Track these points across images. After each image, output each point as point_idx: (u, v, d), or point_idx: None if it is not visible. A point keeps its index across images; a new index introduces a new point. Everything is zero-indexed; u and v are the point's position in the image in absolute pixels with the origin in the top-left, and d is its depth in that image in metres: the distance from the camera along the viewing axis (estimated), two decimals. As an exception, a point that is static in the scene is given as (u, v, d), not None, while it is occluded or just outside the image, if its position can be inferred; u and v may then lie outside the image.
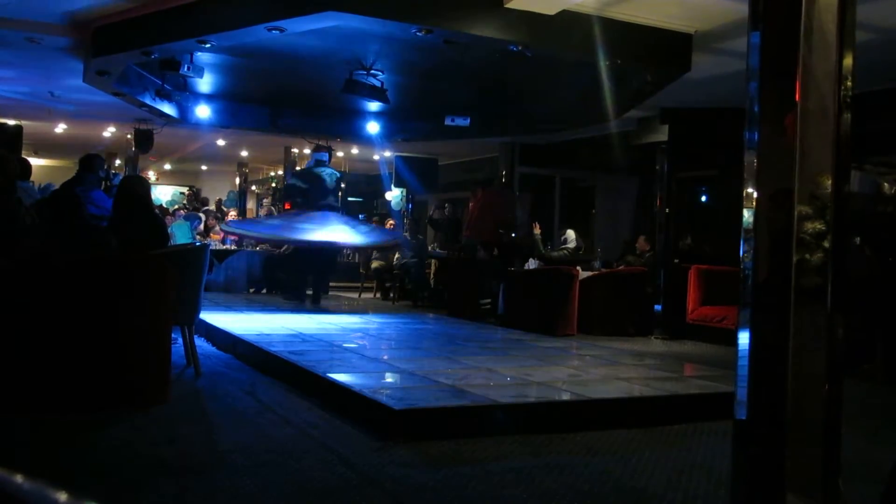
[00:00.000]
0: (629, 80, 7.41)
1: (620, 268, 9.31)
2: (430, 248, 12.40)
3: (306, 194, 9.51)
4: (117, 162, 15.46)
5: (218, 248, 11.35)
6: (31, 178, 7.52)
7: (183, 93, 9.50)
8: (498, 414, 4.03)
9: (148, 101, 8.85)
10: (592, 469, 3.39)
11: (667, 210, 8.90)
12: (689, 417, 4.41)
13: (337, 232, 9.23)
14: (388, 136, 11.22)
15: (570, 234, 9.94)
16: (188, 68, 7.27)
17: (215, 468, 3.20)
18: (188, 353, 5.24)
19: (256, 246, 11.96)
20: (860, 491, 2.61)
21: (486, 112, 10.19)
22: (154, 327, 4.18)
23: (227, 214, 14.12)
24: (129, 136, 12.31)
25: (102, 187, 7.37)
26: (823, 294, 1.69)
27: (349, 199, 17.06)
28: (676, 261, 8.93)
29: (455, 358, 5.70)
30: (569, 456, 3.61)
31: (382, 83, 8.16)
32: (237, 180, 17.79)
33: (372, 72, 7.98)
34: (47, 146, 15.02)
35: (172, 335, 4.49)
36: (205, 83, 9.27)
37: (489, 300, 9.20)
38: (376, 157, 14.53)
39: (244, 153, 15.93)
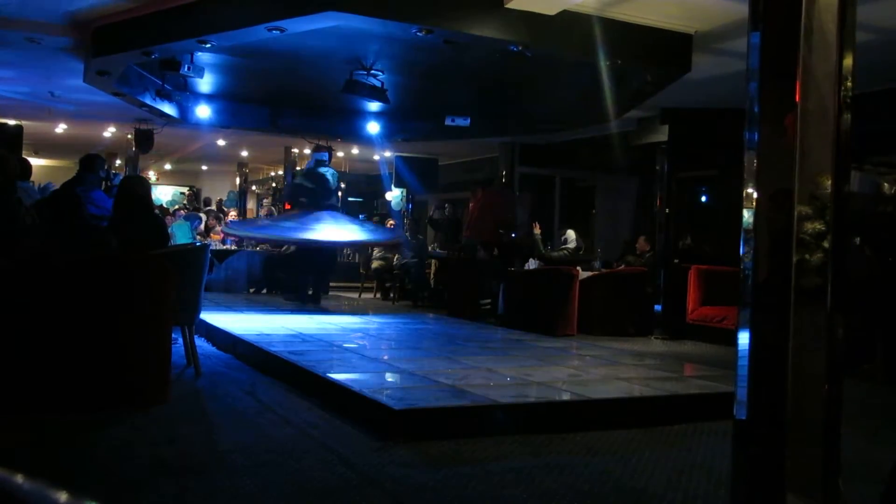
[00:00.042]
0: (629, 81, 7.41)
1: (620, 268, 9.31)
2: (430, 248, 12.40)
3: (314, 194, 9.53)
4: (118, 162, 15.46)
5: (218, 248, 11.35)
6: (31, 178, 7.52)
7: (183, 93, 9.50)
8: (498, 414, 4.03)
9: (148, 101, 8.85)
10: (592, 469, 3.39)
11: (667, 210, 8.90)
12: (689, 417, 4.41)
13: (341, 230, 9.25)
14: (388, 136, 11.22)
15: (571, 234, 9.94)
16: (188, 68, 7.27)
17: (215, 468, 3.20)
18: (188, 353, 5.24)
19: (256, 246, 11.96)
20: (860, 491, 2.61)
21: (486, 112, 10.19)
22: (154, 327, 4.18)
23: (227, 214, 14.13)
24: (129, 136, 12.31)
25: (103, 187, 7.36)
26: (823, 294, 1.69)
27: (349, 199, 17.08)
28: (676, 261, 8.93)
29: (455, 358, 5.70)
30: (569, 456, 3.61)
31: (382, 83, 8.16)
32: (237, 180, 17.79)
33: (372, 72, 7.98)
34: (47, 146, 15.02)
35: (172, 335, 4.49)
36: (205, 83, 9.27)
37: (489, 300, 9.20)
38: (376, 157, 14.53)
39: (244, 153, 15.93)
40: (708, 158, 9.41)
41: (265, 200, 18.61)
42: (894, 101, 6.90)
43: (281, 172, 15.69)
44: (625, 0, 5.70)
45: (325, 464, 3.28)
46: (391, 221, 12.93)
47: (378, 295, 12.22)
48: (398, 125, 10.90)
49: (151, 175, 18.47)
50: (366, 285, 12.40)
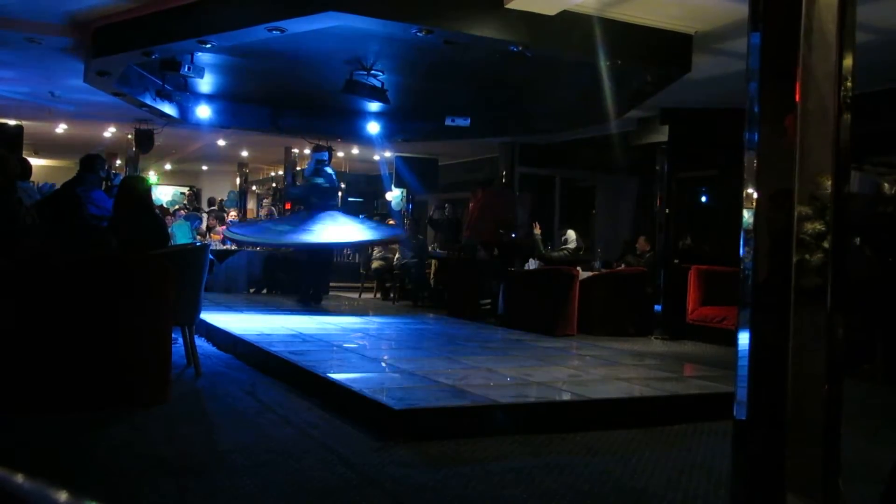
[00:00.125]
0: (629, 81, 7.41)
1: (620, 268, 9.31)
2: (430, 248, 12.40)
3: (325, 194, 9.56)
4: (118, 162, 15.46)
5: (218, 248, 11.35)
6: (31, 178, 7.52)
7: (183, 93, 9.50)
8: (498, 414, 4.03)
9: (148, 101, 8.85)
10: (592, 469, 3.39)
11: (667, 210, 8.90)
12: (689, 417, 4.41)
13: (345, 230, 9.26)
14: (389, 137, 11.23)
15: (571, 234, 9.94)
16: (188, 68, 7.27)
17: (215, 468, 3.20)
18: (188, 353, 5.24)
19: (256, 246, 11.95)
20: (860, 491, 2.61)
21: (486, 112, 10.19)
22: (154, 327, 4.18)
23: (227, 214, 14.13)
24: (129, 137, 12.31)
25: (103, 187, 7.37)
26: (823, 294, 1.69)
27: (349, 199, 17.07)
28: (676, 261, 8.93)
29: (455, 358, 5.70)
30: (569, 456, 3.61)
31: (383, 83, 8.16)
32: (237, 180, 17.79)
33: (372, 72, 7.98)
34: (48, 146, 15.02)
35: (173, 335, 4.49)
36: (205, 83, 9.27)
37: (489, 300, 9.20)
38: (376, 158, 14.53)
39: (244, 153, 15.93)
40: (708, 158, 9.42)
41: (265, 200, 18.60)
42: (894, 101, 6.90)
43: (281, 172, 15.70)
44: (625, 0, 5.70)
45: (325, 464, 3.28)
46: (391, 221, 12.94)
47: (378, 295, 12.22)
48: (398, 125, 10.90)
49: (151, 175, 18.47)
50: (366, 285, 12.40)
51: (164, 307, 4.23)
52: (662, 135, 8.95)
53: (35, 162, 11.84)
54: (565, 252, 9.74)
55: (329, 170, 9.74)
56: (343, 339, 6.66)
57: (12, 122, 11.10)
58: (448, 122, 10.07)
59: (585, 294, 8.13)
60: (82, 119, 11.73)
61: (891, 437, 4.29)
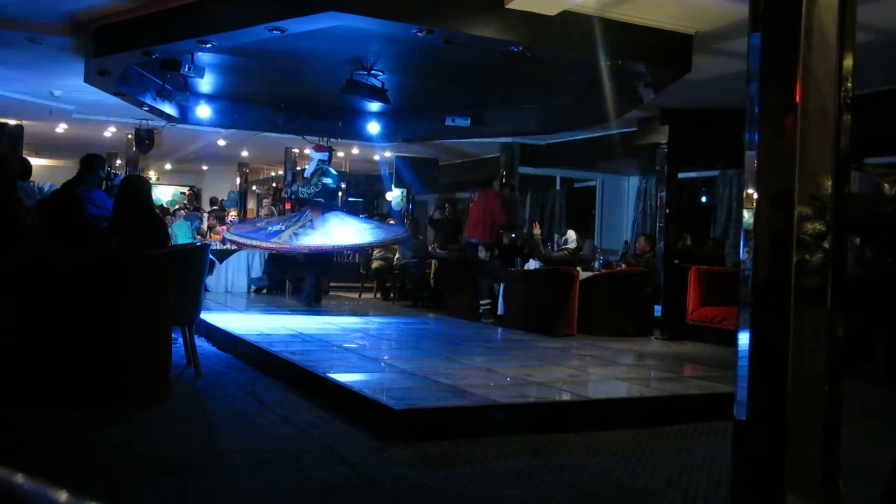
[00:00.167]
0: (629, 81, 7.40)
1: (620, 268, 9.31)
2: (430, 248, 12.40)
3: (332, 194, 9.58)
4: (118, 162, 15.45)
5: (218, 247, 11.35)
6: (31, 178, 7.52)
7: (184, 93, 9.50)
8: (498, 414, 4.03)
9: (149, 101, 8.85)
10: (592, 469, 3.39)
11: (667, 210, 8.90)
12: (689, 417, 4.41)
13: (351, 231, 9.27)
14: (389, 136, 11.22)
15: (571, 234, 9.93)
16: (189, 68, 7.26)
17: (215, 468, 3.20)
18: (188, 353, 5.24)
19: (261, 248, 11.93)
20: (860, 491, 2.61)
21: (486, 112, 10.19)
22: (154, 327, 4.18)
23: (227, 214, 14.12)
24: (129, 136, 12.31)
25: (103, 187, 7.36)
26: (823, 294, 1.69)
27: (349, 199, 17.07)
28: (676, 261, 8.94)
29: (455, 358, 5.70)
30: (569, 456, 3.61)
31: (383, 83, 8.16)
32: (237, 180, 17.78)
33: (372, 72, 7.98)
34: (47, 146, 15.02)
35: (173, 335, 4.49)
36: (205, 83, 9.26)
37: (489, 300, 9.20)
38: (376, 158, 14.53)
39: (245, 153, 15.92)
40: (708, 159, 9.42)
41: (265, 200, 18.60)
42: (894, 102, 6.90)
43: (281, 172, 15.68)
44: (625, 0, 5.70)
45: (325, 464, 3.28)
46: (391, 221, 12.94)
47: (378, 295, 12.22)
48: (398, 125, 10.90)
49: (151, 175, 18.46)
50: (366, 285, 12.39)
51: (164, 307, 4.23)
52: (663, 135, 8.95)
53: (35, 162, 11.81)
54: (565, 252, 9.74)
55: (332, 170, 9.77)
56: (343, 339, 6.66)
57: (12, 122, 11.10)
58: (448, 122, 10.06)
59: (585, 294, 8.13)
60: (82, 119, 11.72)
61: (891, 437, 4.29)
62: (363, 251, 11.96)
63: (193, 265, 5.15)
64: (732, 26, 5.96)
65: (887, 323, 6.10)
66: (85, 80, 7.90)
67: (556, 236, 11.62)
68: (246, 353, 5.90)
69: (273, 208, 15.37)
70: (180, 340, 5.33)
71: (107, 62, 7.11)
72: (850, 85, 1.73)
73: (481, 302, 9.23)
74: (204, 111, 9.98)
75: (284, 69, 8.42)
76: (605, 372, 5.42)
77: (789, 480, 1.72)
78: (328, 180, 9.63)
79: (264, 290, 11.66)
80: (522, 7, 5.62)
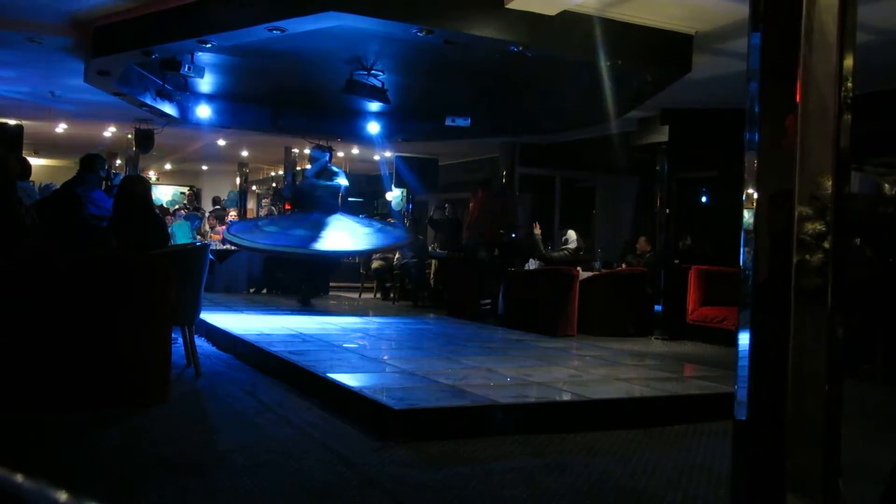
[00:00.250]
0: (629, 81, 7.41)
1: (621, 268, 9.31)
2: (430, 248, 12.40)
3: (338, 195, 9.60)
4: (118, 162, 15.45)
5: (218, 248, 11.35)
6: (31, 178, 7.52)
7: (184, 93, 9.50)
8: (498, 414, 4.03)
9: (149, 101, 8.85)
10: (592, 469, 3.39)
11: (667, 210, 8.90)
12: (689, 418, 4.41)
13: (355, 234, 9.27)
14: (389, 137, 11.22)
15: (571, 234, 9.93)
16: (189, 68, 7.26)
17: (215, 468, 3.20)
18: (188, 353, 5.24)
19: (263, 252, 11.91)
20: (860, 491, 2.61)
21: (486, 112, 10.19)
22: (154, 327, 4.18)
23: (227, 214, 14.11)
24: (129, 136, 12.30)
25: (103, 187, 7.37)
26: (823, 294, 1.69)
27: (349, 199, 17.06)
28: (676, 261, 8.93)
29: (455, 358, 5.70)
30: (569, 456, 3.61)
31: (383, 83, 8.16)
32: (237, 180, 17.78)
33: (372, 72, 7.98)
34: (47, 146, 15.02)
35: (172, 335, 4.49)
36: (205, 83, 9.27)
37: (489, 300, 9.20)
38: (376, 157, 14.53)
39: (245, 153, 15.93)
40: (708, 159, 9.41)
41: (265, 200, 18.60)
42: (894, 102, 6.90)
43: (281, 172, 15.69)
44: (625, 0, 5.70)
45: (325, 464, 3.28)
46: (391, 220, 12.93)
47: (378, 295, 12.22)
48: (398, 125, 10.90)
49: (151, 175, 18.46)
50: (366, 285, 12.40)
51: (164, 307, 4.22)
52: (663, 135, 8.94)
53: (35, 162, 11.84)
54: (566, 252, 9.73)
55: (342, 171, 9.84)
56: (343, 339, 6.66)
57: (12, 122, 11.09)
58: (448, 122, 10.06)
59: (585, 294, 8.13)
60: (82, 119, 11.72)
61: (891, 437, 4.29)
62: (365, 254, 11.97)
63: (193, 265, 5.15)
64: (732, 26, 5.96)
65: (887, 323, 6.10)
66: (85, 80, 7.90)
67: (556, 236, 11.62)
68: (246, 353, 5.90)
69: (273, 208, 15.37)
70: (180, 340, 5.33)
71: (107, 62, 7.11)
72: (850, 85, 1.73)
73: (481, 302, 9.23)
74: (204, 111, 9.98)
75: (284, 69, 8.42)
76: (606, 372, 5.42)
77: (789, 480, 1.72)
78: (343, 181, 9.66)
79: (264, 291, 11.65)
80: (522, 7, 5.62)
